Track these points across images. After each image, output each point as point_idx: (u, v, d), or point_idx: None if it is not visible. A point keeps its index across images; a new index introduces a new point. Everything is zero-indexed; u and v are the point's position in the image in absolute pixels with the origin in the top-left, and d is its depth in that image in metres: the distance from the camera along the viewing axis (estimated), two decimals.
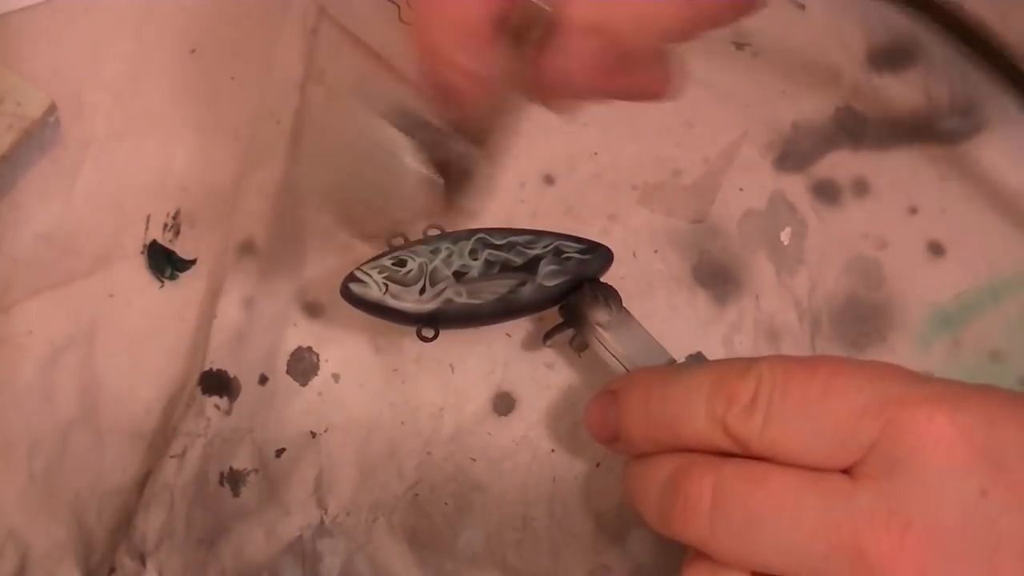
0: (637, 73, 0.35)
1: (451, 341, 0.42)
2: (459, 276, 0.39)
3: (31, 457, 0.40)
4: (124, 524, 0.39)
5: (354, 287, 0.38)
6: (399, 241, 0.40)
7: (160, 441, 0.40)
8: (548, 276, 0.39)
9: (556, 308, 0.40)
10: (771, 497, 0.30)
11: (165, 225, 0.44)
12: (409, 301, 0.38)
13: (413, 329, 0.39)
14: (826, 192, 0.44)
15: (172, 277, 0.43)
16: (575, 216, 0.44)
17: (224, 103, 0.45)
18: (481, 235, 0.39)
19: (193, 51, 0.46)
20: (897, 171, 0.45)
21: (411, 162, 0.33)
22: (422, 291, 0.38)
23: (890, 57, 0.46)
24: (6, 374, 0.41)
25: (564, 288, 0.39)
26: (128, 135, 0.45)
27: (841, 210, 0.44)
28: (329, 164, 0.36)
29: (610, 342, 0.38)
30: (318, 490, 0.40)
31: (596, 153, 0.45)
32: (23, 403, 0.40)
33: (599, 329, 0.38)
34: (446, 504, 0.40)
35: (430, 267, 0.39)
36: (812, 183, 0.45)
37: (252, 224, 0.42)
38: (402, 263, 0.39)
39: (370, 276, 0.38)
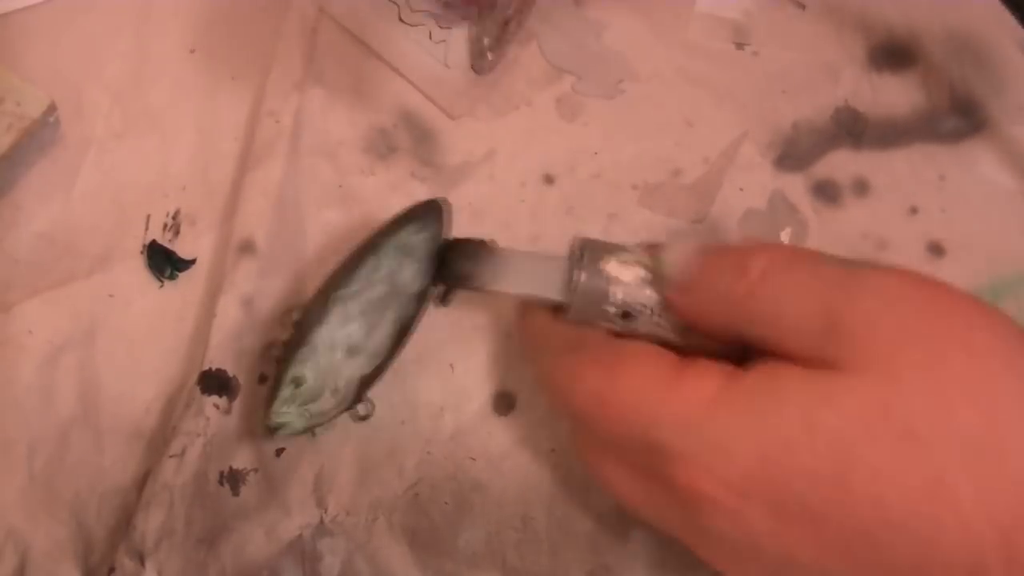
0: None
1: (451, 341, 0.42)
2: (352, 350, 0.37)
3: (31, 457, 0.40)
4: (124, 524, 0.39)
5: (280, 431, 0.38)
6: (277, 351, 0.39)
7: (159, 441, 0.40)
8: (413, 280, 0.37)
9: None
10: None
11: (165, 225, 0.44)
12: (330, 407, 0.38)
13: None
14: (826, 192, 0.44)
15: (172, 277, 0.43)
16: (575, 216, 0.44)
17: (224, 103, 0.45)
18: (333, 293, 0.37)
19: (193, 51, 0.46)
20: (897, 171, 0.45)
21: None
22: (334, 391, 0.38)
23: (890, 57, 0.46)
24: (6, 374, 0.41)
25: (431, 273, 0.37)
26: (128, 135, 0.45)
27: (841, 210, 0.44)
28: None
29: (503, 292, 0.36)
30: (318, 489, 0.40)
31: (596, 153, 0.45)
32: (23, 403, 0.41)
33: (486, 288, 0.37)
34: (446, 504, 0.40)
35: (322, 365, 0.37)
36: (812, 183, 0.45)
37: (252, 224, 0.42)
38: (300, 380, 0.37)
39: (286, 412, 0.37)
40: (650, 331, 0.35)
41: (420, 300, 0.38)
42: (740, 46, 0.46)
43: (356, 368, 0.38)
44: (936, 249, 0.43)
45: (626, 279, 0.34)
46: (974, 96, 0.45)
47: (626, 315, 0.35)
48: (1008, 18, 0.41)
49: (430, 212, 0.38)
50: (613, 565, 0.39)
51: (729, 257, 0.32)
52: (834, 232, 0.44)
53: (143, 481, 0.40)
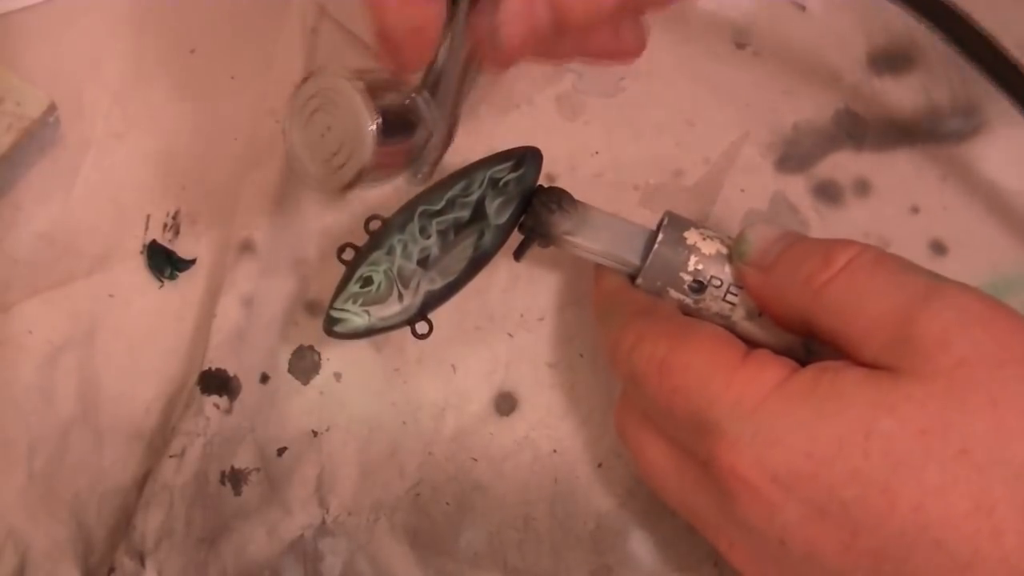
0: (593, 36, 0.35)
1: (453, 341, 0.42)
2: (424, 262, 0.38)
3: (31, 457, 0.40)
4: (123, 524, 0.39)
5: (338, 327, 0.38)
6: (349, 254, 0.39)
7: (160, 441, 0.40)
8: (498, 213, 0.38)
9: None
10: None
11: (165, 225, 0.44)
12: (393, 313, 0.38)
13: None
14: (828, 192, 0.44)
15: (172, 277, 0.43)
16: None
17: (224, 103, 0.45)
18: (421, 207, 0.38)
19: (193, 51, 0.46)
20: (898, 171, 0.45)
21: (358, 108, 0.32)
22: (400, 297, 0.38)
23: (890, 59, 0.46)
24: (6, 374, 0.41)
25: (517, 214, 0.38)
26: (128, 135, 0.45)
27: (843, 210, 0.44)
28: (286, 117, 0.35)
29: (582, 245, 0.37)
30: (320, 489, 0.40)
31: (597, 152, 0.45)
32: (23, 403, 0.40)
33: (567, 238, 0.37)
34: (447, 504, 0.40)
35: (394, 270, 0.38)
36: (813, 184, 0.45)
37: (252, 224, 0.42)
38: (368, 281, 0.38)
39: (347, 310, 0.38)
40: (719, 311, 0.36)
41: (501, 235, 0.38)
42: (741, 46, 0.46)
43: (426, 282, 0.38)
44: (938, 247, 0.43)
45: (705, 251, 0.36)
46: (974, 98, 0.45)
47: (698, 287, 0.35)
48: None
49: (527, 156, 0.39)
50: (614, 565, 0.39)
51: (815, 245, 0.33)
52: (836, 232, 0.44)
53: (143, 481, 0.39)
